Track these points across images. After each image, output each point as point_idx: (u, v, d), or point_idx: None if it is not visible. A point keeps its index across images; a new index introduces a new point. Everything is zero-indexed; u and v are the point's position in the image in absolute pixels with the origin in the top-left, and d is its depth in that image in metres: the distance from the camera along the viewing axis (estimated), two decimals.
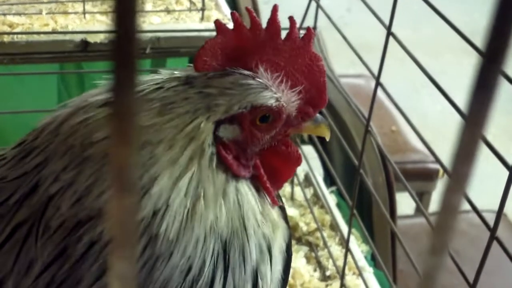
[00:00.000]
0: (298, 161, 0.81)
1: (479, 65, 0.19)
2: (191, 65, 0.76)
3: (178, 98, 0.69)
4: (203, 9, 1.65)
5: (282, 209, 0.82)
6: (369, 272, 1.31)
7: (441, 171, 2.34)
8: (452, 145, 0.21)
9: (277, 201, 0.78)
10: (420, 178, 2.35)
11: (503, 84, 0.88)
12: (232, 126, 0.72)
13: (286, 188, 1.52)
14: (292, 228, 1.17)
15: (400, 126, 2.41)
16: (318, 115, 0.79)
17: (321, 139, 1.65)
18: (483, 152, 0.88)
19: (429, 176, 2.36)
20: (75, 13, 1.58)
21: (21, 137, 0.76)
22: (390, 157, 1.21)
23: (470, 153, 0.20)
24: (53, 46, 1.48)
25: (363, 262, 1.33)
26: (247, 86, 0.71)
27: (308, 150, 1.59)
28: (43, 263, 0.66)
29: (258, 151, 0.77)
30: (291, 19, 0.78)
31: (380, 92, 1.08)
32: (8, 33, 1.45)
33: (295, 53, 0.76)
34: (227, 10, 1.71)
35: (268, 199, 0.77)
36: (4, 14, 1.54)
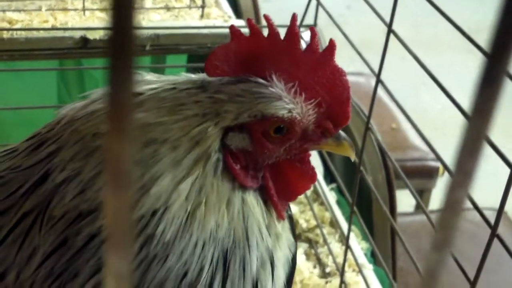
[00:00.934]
0: (311, 180, 0.78)
1: (486, 60, 0.18)
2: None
3: (189, 101, 0.68)
4: (203, 7, 1.64)
5: (290, 219, 0.80)
6: (369, 269, 1.31)
7: (441, 168, 2.34)
8: (456, 142, 0.21)
9: (284, 215, 0.76)
10: (420, 175, 2.35)
11: (506, 82, 0.88)
12: (242, 135, 0.70)
13: None
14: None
15: (400, 123, 2.41)
16: (341, 132, 0.76)
17: None
18: (487, 152, 0.88)
19: (429, 173, 2.36)
20: (75, 9, 1.58)
21: (20, 133, 0.76)
22: (390, 154, 1.21)
23: (475, 149, 0.20)
24: (52, 42, 1.48)
25: (363, 259, 1.33)
26: (258, 94, 0.69)
27: None
28: (44, 252, 0.66)
29: (270, 163, 0.74)
30: (312, 29, 0.75)
31: (380, 89, 1.08)
32: (8, 29, 1.45)
33: (314, 65, 0.73)
34: (227, 8, 1.71)
35: (275, 212, 0.75)
36: (4, 11, 1.53)
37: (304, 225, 1.44)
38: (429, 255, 0.22)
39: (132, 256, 0.20)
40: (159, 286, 0.65)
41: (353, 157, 0.77)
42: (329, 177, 1.65)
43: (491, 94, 0.19)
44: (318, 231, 1.42)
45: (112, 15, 0.19)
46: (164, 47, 1.58)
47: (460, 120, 0.91)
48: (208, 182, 0.67)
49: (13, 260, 0.68)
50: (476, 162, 0.20)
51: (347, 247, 1.19)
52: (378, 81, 1.05)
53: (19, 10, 1.55)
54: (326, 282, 1.31)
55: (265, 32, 0.76)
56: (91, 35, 1.47)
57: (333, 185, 1.59)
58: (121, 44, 0.19)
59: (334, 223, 1.45)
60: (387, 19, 1.03)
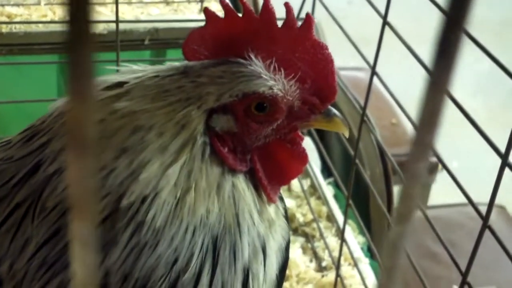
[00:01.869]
0: (302, 161, 0.77)
1: (440, 31, 0.19)
2: None
3: (172, 87, 0.69)
4: (201, 0, 1.65)
5: (285, 208, 0.80)
6: (364, 263, 1.32)
7: (440, 164, 2.34)
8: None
9: (274, 199, 0.76)
10: None
11: (503, 80, 0.88)
12: (226, 116, 0.70)
13: None
14: (288, 219, 1.17)
15: (400, 118, 2.41)
16: (332, 109, 0.75)
17: (319, 132, 1.65)
18: (483, 147, 0.88)
19: (428, 169, 2.36)
20: None
21: (20, 127, 0.76)
22: (389, 149, 1.21)
23: (433, 121, 0.20)
24: (51, 36, 1.48)
25: (359, 253, 1.34)
26: (238, 74, 0.70)
27: (305, 142, 1.59)
28: (37, 243, 0.67)
29: (260, 145, 0.74)
30: (287, 5, 0.74)
31: (380, 84, 1.08)
32: (7, 23, 1.46)
33: (294, 41, 0.73)
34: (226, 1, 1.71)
35: (265, 195, 0.75)
36: (3, 5, 1.54)
37: (301, 219, 1.44)
38: (391, 228, 0.22)
39: (95, 222, 0.21)
40: (150, 272, 0.65)
41: (346, 133, 0.77)
42: (327, 172, 1.65)
43: (447, 65, 0.19)
44: (314, 225, 1.43)
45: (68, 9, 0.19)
46: (164, 41, 1.59)
47: (461, 116, 0.92)
48: (197, 166, 0.68)
49: (6, 250, 0.68)
50: (434, 134, 0.20)
51: (343, 240, 1.19)
52: (373, 72, 1.05)
53: (18, 5, 1.56)
54: (322, 276, 1.31)
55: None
56: None
57: (330, 180, 1.60)
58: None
59: (330, 217, 1.45)
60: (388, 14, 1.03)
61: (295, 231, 1.43)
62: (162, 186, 0.66)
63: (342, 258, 1.24)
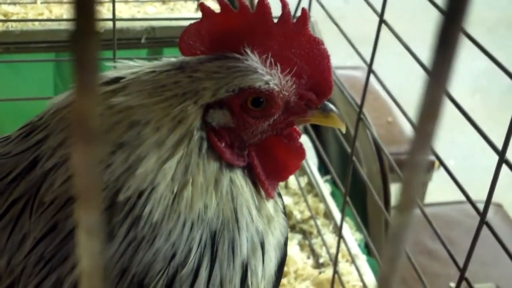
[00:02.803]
0: (300, 156, 0.77)
1: (440, 24, 0.19)
2: None
3: (169, 82, 0.69)
4: None
5: (283, 205, 0.80)
6: (362, 259, 1.32)
7: (437, 162, 2.35)
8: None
9: (273, 194, 0.76)
10: None
11: (500, 78, 0.88)
12: (222, 111, 0.71)
13: None
14: (286, 216, 1.18)
15: (396, 117, 2.42)
16: (328, 104, 0.75)
17: (315, 129, 1.66)
18: (482, 146, 0.88)
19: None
20: (70, 2, 1.58)
21: (17, 126, 0.76)
22: (386, 147, 1.21)
23: (434, 111, 0.20)
24: (47, 35, 1.48)
25: (356, 250, 1.34)
26: (234, 69, 0.70)
27: (302, 139, 1.59)
28: (34, 238, 0.67)
29: (257, 141, 0.74)
30: (282, 0, 0.74)
31: (377, 83, 1.08)
32: (3, 21, 1.46)
33: (289, 36, 0.73)
34: None
35: (263, 190, 0.74)
36: None
37: (298, 216, 1.45)
38: (393, 218, 0.23)
39: (101, 211, 0.21)
40: (148, 267, 0.65)
41: (343, 128, 0.77)
42: (324, 169, 1.66)
43: (447, 57, 0.19)
44: (312, 222, 1.43)
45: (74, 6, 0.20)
46: (160, 39, 1.59)
47: (458, 115, 0.92)
48: (194, 161, 0.68)
49: (4, 246, 0.69)
50: (435, 124, 0.21)
51: (340, 237, 1.20)
52: (370, 71, 1.06)
53: (14, 3, 1.56)
54: (320, 273, 1.32)
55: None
56: None
57: (328, 177, 1.60)
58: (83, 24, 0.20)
59: (328, 215, 1.46)
60: (385, 13, 1.03)
61: (293, 228, 1.43)
62: (159, 181, 0.66)
63: (339, 255, 1.24)
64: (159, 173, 0.66)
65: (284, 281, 1.27)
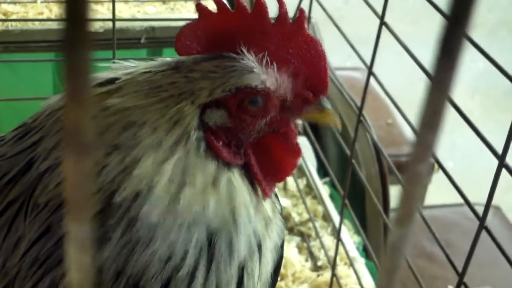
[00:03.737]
0: (296, 154, 0.77)
1: (443, 31, 0.19)
2: None
3: (165, 82, 0.68)
4: None
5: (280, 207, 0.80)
6: (360, 262, 1.32)
7: (436, 164, 2.34)
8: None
9: (269, 194, 0.75)
10: None
11: (500, 80, 0.88)
12: (219, 111, 0.70)
13: None
14: (284, 218, 1.17)
15: (395, 119, 2.41)
16: (324, 100, 0.75)
17: (314, 131, 1.65)
18: (480, 148, 0.88)
19: None
20: None
21: (15, 125, 0.76)
22: (385, 149, 1.21)
23: (435, 122, 0.20)
24: (47, 34, 1.48)
25: (354, 253, 1.34)
26: (230, 68, 0.69)
27: (301, 141, 1.59)
28: (29, 240, 0.66)
29: (253, 139, 0.74)
30: (279, 1, 0.74)
31: (376, 85, 1.08)
32: (3, 20, 1.45)
33: (286, 36, 0.72)
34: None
35: (260, 190, 0.74)
36: None
37: (296, 218, 1.44)
38: (392, 230, 0.22)
39: (92, 224, 0.20)
40: (143, 270, 0.64)
41: (338, 125, 0.76)
42: (322, 171, 1.65)
43: (450, 65, 0.19)
44: (310, 224, 1.43)
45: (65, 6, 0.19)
46: (160, 40, 1.58)
47: (457, 116, 0.91)
48: (191, 162, 0.67)
49: (0, 247, 0.68)
50: (436, 135, 0.20)
51: (338, 240, 1.19)
52: (370, 73, 1.05)
53: (14, 2, 1.55)
54: (318, 275, 1.31)
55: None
56: None
57: (326, 179, 1.60)
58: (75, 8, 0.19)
59: (326, 217, 1.45)
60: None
61: (291, 230, 1.43)
62: (156, 182, 0.65)
63: (337, 258, 1.23)
64: (156, 175, 0.65)
65: (281, 283, 1.27)
